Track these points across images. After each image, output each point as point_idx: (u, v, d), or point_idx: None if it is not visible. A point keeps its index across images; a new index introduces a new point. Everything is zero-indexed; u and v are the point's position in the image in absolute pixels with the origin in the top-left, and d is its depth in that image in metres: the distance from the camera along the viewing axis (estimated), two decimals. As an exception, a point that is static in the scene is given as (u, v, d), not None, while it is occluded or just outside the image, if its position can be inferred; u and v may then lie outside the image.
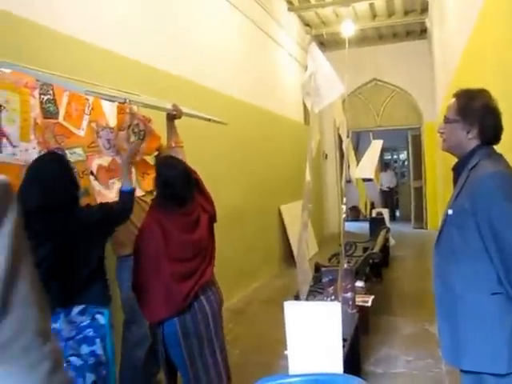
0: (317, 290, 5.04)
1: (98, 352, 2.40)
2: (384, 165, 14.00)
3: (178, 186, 2.61)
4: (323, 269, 4.05)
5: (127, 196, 2.60)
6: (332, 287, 3.93)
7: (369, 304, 4.11)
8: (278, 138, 8.49)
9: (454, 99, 2.08)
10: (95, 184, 2.89)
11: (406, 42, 11.33)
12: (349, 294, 3.88)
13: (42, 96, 2.60)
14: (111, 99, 2.68)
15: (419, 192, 11.71)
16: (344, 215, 3.84)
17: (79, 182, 2.57)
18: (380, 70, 11.21)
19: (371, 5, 9.35)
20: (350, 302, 3.86)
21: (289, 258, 8.34)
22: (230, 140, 6.15)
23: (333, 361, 2.83)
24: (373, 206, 12.14)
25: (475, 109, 1.99)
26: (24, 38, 3.02)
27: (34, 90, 2.57)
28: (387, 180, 13.63)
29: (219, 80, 6.06)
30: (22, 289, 0.91)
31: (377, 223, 8.34)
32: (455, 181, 2.10)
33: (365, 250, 6.60)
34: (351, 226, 12.35)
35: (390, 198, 13.80)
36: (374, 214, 9.29)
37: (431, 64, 10.64)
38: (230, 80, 6.48)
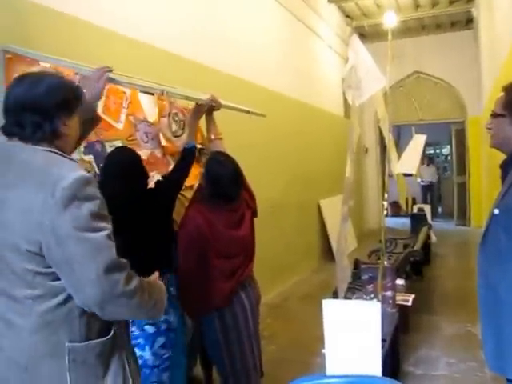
0: (355, 287, 4.95)
1: (170, 319, 2.63)
2: (428, 159, 13.46)
3: (227, 184, 2.59)
4: (363, 266, 3.98)
5: (190, 151, 2.81)
6: (371, 285, 3.86)
7: (409, 303, 4.01)
8: (317, 132, 8.39)
9: (502, 93, 1.98)
10: None
11: (451, 32, 10.91)
12: (389, 293, 3.80)
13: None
14: (149, 91, 2.64)
15: (463, 188, 11.39)
16: (386, 210, 3.72)
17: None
18: (422, 62, 10.90)
19: (414, -6, 9.11)
20: (390, 301, 3.78)
21: (328, 252, 8.27)
22: (268, 133, 6.10)
23: (371, 362, 2.76)
24: (414, 202, 11.89)
25: None
26: (64, 32, 3.03)
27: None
28: (429, 174, 13.12)
29: (258, 73, 6.03)
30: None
31: (418, 219, 8.15)
32: (503, 179, 2.00)
33: (405, 246, 6.46)
34: (391, 222, 12.13)
35: (431, 192, 13.32)
36: (415, 210, 9.08)
37: (477, 56, 10.25)
38: (270, 73, 6.44)
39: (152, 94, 3.04)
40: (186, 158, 2.82)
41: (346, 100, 10.60)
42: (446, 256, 8.11)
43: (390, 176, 13.87)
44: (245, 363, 2.62)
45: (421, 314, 4.91)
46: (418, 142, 7.15)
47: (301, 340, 4.55)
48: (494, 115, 1.99)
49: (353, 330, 2.84)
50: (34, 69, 2.36)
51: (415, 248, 5.84)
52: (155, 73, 3.31)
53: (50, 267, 1.39)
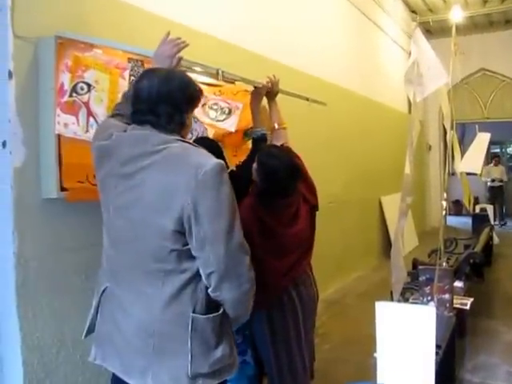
0: (413, 288, 4.89)
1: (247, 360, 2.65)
2: (496, 158, 12.53)
3: (282, 177, 2.42)
4: (420, 267, 3.91)
5: (259, 140, 2.77)
6: (429, 287, 3.79)
7: (467, 307, 3.91)
8: (380, 128, 8.28)
9: None
10: None
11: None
12: (446, 296, 3.72)
13: (132, 77, 2.56)
14: (203, 69, 2.54)
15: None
16: (444, 211, 3.63)
17: None
18: (489, 59, 10.51)
19: (482, -11, 8.80)
20: (448, 304, 3.70)
21: (388, 250, 8.07)
22: (329, 128, 6.08)
23: (424, 370, 2.72)
24: (477, 202, 11.53)
25: None
26: (116, 17, 2.93)
27: (124, 71, 2.55)
28: (498, 174, 12.26)
29: (323, 67, 6.01)
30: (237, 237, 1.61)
31: (480, 220, 7.91)
32: None
33: (466, 247, 6.30)
34: (453, 221, 11.83)
35: (500, 193, 12.35)
36: (477, 210, 8.81)
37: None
38: (334, 67, 6.41)
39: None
40: (258, 146, 2.73)
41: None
42: (509, 258, 7.83)
43: (453, 174, 13.46)
44: (292, 365, 2.53)
45: (480, 318, 4.79)
46: (482, 140, 6.89)
47: (355, 339, 4.51)
48: None
49: (406, 335, 2.79)
50: (88, 54, 2.40)
51: (476, 250, 5.68)
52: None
53: (186, 244, 1.57)
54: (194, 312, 1.59)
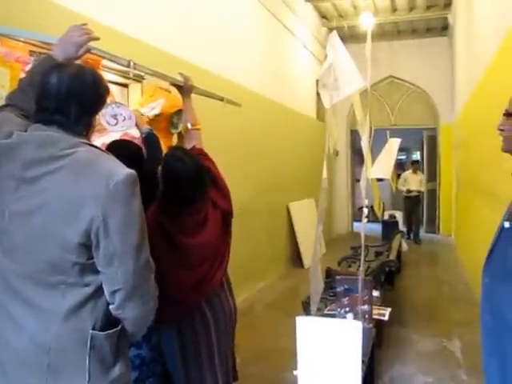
0: (327, 298, 4.69)
1: (142, 354, 2.39)
2: (412, 164, 11.01)
3: (186, 182, 2.18)
4: (338, 277, 3.69)
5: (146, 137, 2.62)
6: (347, 298, 3.58)
7: (386, 318, 3.75)
8: (289, 133, 8.12)
9: None
10: None
11: (426, 38, 10.84)
12: (366, 307, 3.53)
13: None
14: (113, 59, 2.26)
15: (432, 194, 11.32)
16: (366, 218, 3.46)
17: None
18: (397, 67, 10.79)
19: (392, -3, 8.96)
20: (367, 316, 3.50)
21: (296, 258, 8.02)
22: (239, 131, 5.82)
23: (349, 385, 2.50)
24: (384, 208, 11.82)
25: None
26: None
27: (26, 65, 2.33)
28: (416, 183, 10.59)
29: (234, 68, 5.77)
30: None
31: (390, 226, 7.98)
32: None
33: (377, 254, 6.24)
34: (360, 227, 11.99)
35: (416, 205, 10.77)
36: (386, 217, 8.92)
37: (452, 63, 10.23)
38: (245, 69, 6.17)
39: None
40: (148, 145, 2.59)
41: (319, 102, 10.42)
42: (416, 265, 7.94)
43: (358, 181, 13.67)
44: (202, 382, 2.31)
45: (392, 327, 4.66)
46: (393, 146, 6.95)
47: (267, 352, 4.28)
48: (509, 115, 1.74)
49: (330, 350, 2.59)
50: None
51: (390, 257, 5.60)
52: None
53: (91, 258, 1.47)
54: (93, 329, 1.49)
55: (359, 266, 5.69)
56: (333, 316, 3.59)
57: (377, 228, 8.76)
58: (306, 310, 4.71)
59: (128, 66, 2.29)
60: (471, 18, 6.65)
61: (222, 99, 3.16)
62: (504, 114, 1.76)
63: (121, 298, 1.50)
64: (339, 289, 3.63)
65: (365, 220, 3.38)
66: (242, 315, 5.29)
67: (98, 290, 1.51)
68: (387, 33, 10.68)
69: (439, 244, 10.06)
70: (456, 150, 9.81)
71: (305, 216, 8.64)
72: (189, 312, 2.27)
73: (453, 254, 8.67)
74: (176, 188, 2.20)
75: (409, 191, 10.45)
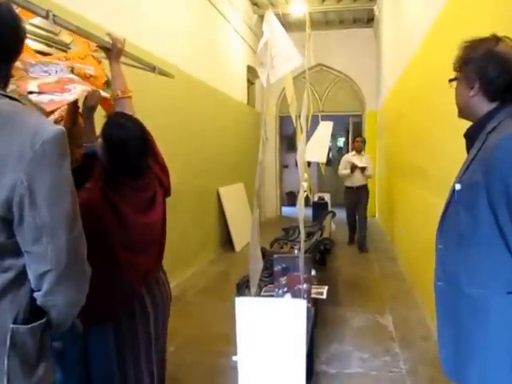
0: (261, 279, 4.62)
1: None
2: (355, 141, 8.10)
3: (133, 151, 1.96)
4: (275, 255, 3.62)
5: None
6: (285, 277, 3.51)
7: (324, 296, 3.71)
8: (220, 117, 7.99)
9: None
10: (43, 97, 2.13)
11: (353, 29, 11.18)
12: (304, 286, 3.46)
13: None
14: (27, 6, 1.92)
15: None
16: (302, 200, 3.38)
17: None
18: (326, 56, 10.93)
19: (322, -14, 9.00)
20: (306, 295, 3.45)
21: (226, 242, 7.93)
22: (169, 112, 5.61)
23: (294, 367, 2.42)
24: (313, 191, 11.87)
25: (476, 59, 1.59)
26: None
27: None
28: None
29: (166, 48, 5.55)
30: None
31: (320, 208, 8.04)
32: (468, 150, 1.68)
33: (309, 234, 6.24)
34: (288, 212, 12.10)
35: (362, 198, 7.80)
36: (315, 199, 8.99)
37: (377, 53, 10.53)
38: (177, 49, 5.97)
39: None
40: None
41: (249, 88, 10.35)
42: (344, 244, 8.05)
43: (285, 166, 13.66)
44: (139, 380, 2.07)
45: (327, 306, 4.68)
46: (325, 129, 6.96)
47: (202, 339, 4.16)
48: (450, 81, 1.72)
49: (272, 333, 2.49)
50: None
51: (324, 235, 5.61)
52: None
53: (12, 236, 1.23)
54: (14, 322, 1.25)
55: (291, 247, 5.73)
56: (271, 296, 3.51)
57: (306, 211, 8.80)
58: (241, 293, 4.63)
59: (46, 17, 1.94)
60: (398, 10, 6.82)
61: (153, 69, 2.89)
62: (449, 81, 1.74)
63: (51, 282, 1.26)
64: (276, 268, 3.55)
65: (302, 202, 3.30)
66: (175, 302, 5.05)
67: (21, 276, 1.27)
68: (316, 22, 10.76)
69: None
70: (381, 135, 10.08)
71: (235, 200, 8.56)
72: (130, 304, 2.02)
73: (378, 235, 8.89)
74: (122, 159, 1.96)
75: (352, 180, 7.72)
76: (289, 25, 9.73)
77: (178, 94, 5.94)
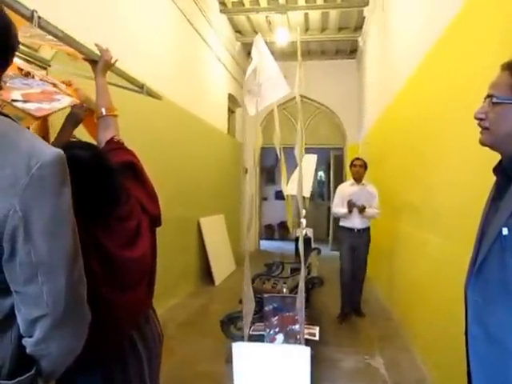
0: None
1: None
2: (354, 164, 5.61)
3: (94, 167, 1.68)
4: (265, 295, 3.45)
5: None
6: (276, 317, 3.36)
7: (316, 338, 3.55)
8: (201, 146, 7.86)
9: (505, 72, 1.46)
10: (29, 105, 2.00)
11: (335, 60, 11.21)
12: (297, 327, 3.31)
13: None
14: (12, 4, 1.69)
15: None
16: (305, 232, 3.26)
17: None
18: (306, 86, 10.91)
19: (306, 15, 9.04)
20: (298, 336, 3.28)
21: (206, 274, 7.72)
22: (149, 140, 5.44)
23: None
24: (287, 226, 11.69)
25: None
26: None
27: None
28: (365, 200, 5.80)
29: (148, 73, 5.36)
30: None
31: (304, 243, 7.88)
32: (499, 187, 1.51)
33: (293, 270, 6.10)
34: (266, 246, 11.93)
35: (363, 245, 5.76)
36: (297, 233, 8.85)
37: (359, 85, 10.55)
38: (160, 76, 5.84)
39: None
40: None
41: (230, 117, 10.29)
42: (326, 282, 7.88)
43: (264, 199, 13.55)
44: None
45: (316, 346, 4.48)
46: (310, 162, 6.88)
47: (187, 379, 3.93)
48: (496, 101, 1.45)
49: (274, 380, 2.33)
50: None
51: (312, 274, 5.48)
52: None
53: (1, 272, 1.06)
54: None
55: (274, 283, 5.56)
56: (261, 336, 3.35)
57: (282, 246, 8.68)
58: (226, 330, 4.44)
59: (31, 17, 1.72)
60: (387, 37, 6.83)
61: (141, 87, 2.75)
62: (487, 97, 1.50)
63: (46, 328, 1.09)
64: (267, 308, 3.39)
65: (302, 240, 3.17)
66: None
67: (7, 320, 1.11)
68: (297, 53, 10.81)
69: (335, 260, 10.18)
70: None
71: (215, 232, 8.40)
72: (119, 345, 1.79)
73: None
74: (85, 180, 1.63)
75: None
76: (272, 53, 9.72)
77: (160, 121, 5.82)
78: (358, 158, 5.98)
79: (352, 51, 10.88)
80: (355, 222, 5.69)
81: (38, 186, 1.04)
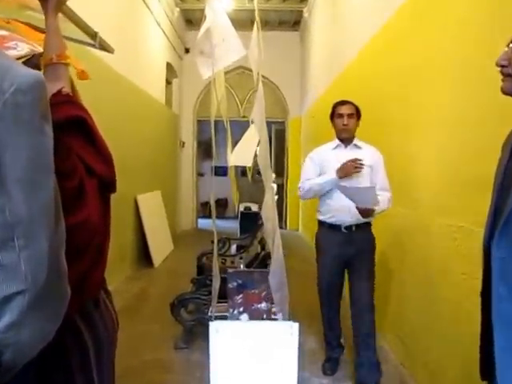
0: (199, 298, 4.07)
1: None
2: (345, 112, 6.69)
3: None
4: (230, 270, 3.07)
5: None
6: (241, 295, 2.98)
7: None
8: (138, 117, 7.23)
9: None
10: None
11: (277, 31, 10.82)
12: (263, 305, 2.94)
13: None
14: None
15: (280, 189, 11.23)
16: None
17: None
18: (247, 57, 10.57)
19: (251, -17, 8.62)
20: (265, 315, 2.92)
21: (144, 256, 7.20)
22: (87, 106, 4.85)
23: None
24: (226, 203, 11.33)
25: None
26: None
27: None
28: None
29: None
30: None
31: (248, 219, 7.58)
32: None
33: (239, 248, 5.77)
34: (203, 224, 11.54)
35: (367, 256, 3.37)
36: (241, 209, 8.52)
37: (302, 57, 10.30)
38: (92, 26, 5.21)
39: None
40: None
41: (167, 88, 9.72)
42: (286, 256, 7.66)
43: (201, 175, 13.05)
44: None
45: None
46: (253, 132, 6.51)
47: (135, 369, 3.53)
48: None
49: (257, 360, 2.00)
50: None
51: (267, 249, 5.13)
52: None
53: None
54: None
55: (222, 262, 5.19)
56: (224, 318, 2.97)
57: (225, 224, 8.36)
58: (176, 314, 4.06)
59: None
60: (337, 11, 6.62)
61: (94, 35, 2.29)
62: (510, 43, 1.36)
63: (20, 310, 0.85)
64: (231, 285, 3.00)
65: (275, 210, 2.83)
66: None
67: None
68: (241, 22, 10.38)
69: (287, 238, 10.02)
70: (308, 143, 9.83)
71: (153, 210, 7.89)
72: (58, 334, 1.40)
73: (305, 249, 8.60)
74: None
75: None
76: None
77: (94, 86, 5.24)
78: (344, 102, 3.47)
79: (296, 23, 10.61)
80: (343, 214, 3.31)
81: (12, 116, 0.81)
